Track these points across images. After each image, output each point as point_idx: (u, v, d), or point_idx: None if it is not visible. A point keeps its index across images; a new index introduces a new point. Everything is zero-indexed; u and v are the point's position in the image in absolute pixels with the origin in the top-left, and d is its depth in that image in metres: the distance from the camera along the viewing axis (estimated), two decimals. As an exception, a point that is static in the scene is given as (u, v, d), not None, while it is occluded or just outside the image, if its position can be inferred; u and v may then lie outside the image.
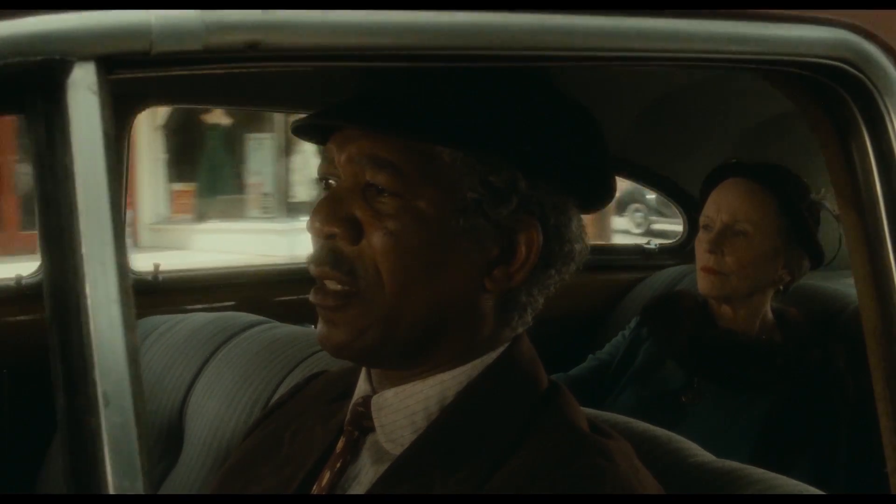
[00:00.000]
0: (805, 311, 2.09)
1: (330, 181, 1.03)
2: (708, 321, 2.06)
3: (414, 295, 0.98)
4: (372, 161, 0.98)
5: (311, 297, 1.01)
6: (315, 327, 1.97)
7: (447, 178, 0.98)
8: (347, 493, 1.03)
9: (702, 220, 2.05)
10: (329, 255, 0.99)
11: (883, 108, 0.97)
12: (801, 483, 1.13)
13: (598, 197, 1.07)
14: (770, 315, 2.04)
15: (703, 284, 2.02)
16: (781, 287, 2.03)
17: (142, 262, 2.31)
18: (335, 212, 1.00)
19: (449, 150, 0.98)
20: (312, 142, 1.08)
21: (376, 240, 0.98)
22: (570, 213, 1.04)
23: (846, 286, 2.25)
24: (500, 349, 1.04)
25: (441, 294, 0.99)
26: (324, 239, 1.00)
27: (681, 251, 2.93)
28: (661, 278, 2.72)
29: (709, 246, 1.98)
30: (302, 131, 1.07)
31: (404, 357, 1.02)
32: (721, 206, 2.01)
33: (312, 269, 1.01)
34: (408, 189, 0.98)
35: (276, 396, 1.54)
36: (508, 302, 1.03)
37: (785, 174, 2.03)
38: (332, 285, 1.00)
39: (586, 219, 1.09)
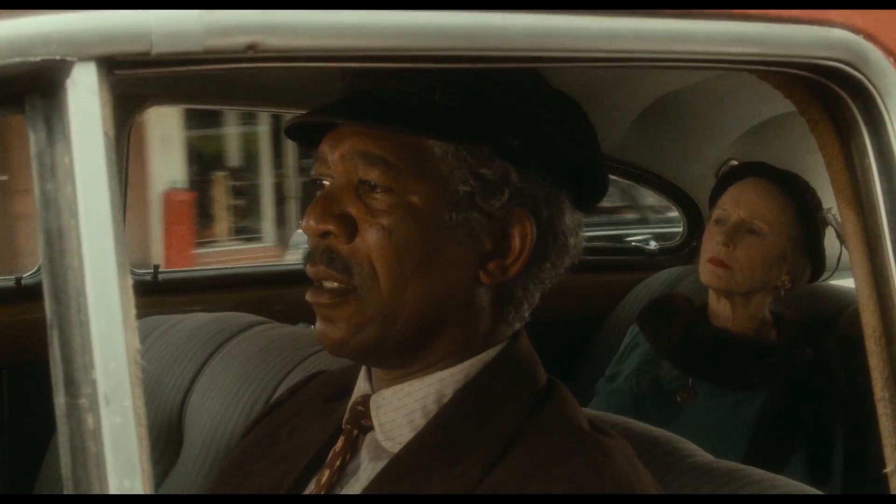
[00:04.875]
0: (804, 312, 2.10)
1: (323, 181, 1.04)
2: (702, 321, 2.07)
3: (410, 290, 0.99)
4: (364, 158, 0.99)
5: (307, 296, 1.02)
6: (313, 327, 1.97)
7: (439, 172, 0.99)
8: (345, 490, 1.04)
9: (715, 213, 2.06)
10: (324, 253, 1.00)
11: (883, 108, 0.97)
12: (800, 484, 1.13)
13: (591, 191, 1.08)
14: (768, 317, 2.05)
15: (707, 276, 2.02)
16: (782, 292, 2.04)
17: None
18: (329, 210, 1.00)
19: (440, 143, 0.99)
20: (305, 144, 1.09)
21: (370, 236, 0.98)
22: (563, 206, 1.04)
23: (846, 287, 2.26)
24: (499, 347, 1.04)
25: (436, 288, 1.00)
26: (318, 237, 1.01)
27: (680, 252, 2.93)
28: (661, 279, 2.71)
29: (723, 238, 1.99)
30: (294, 132, 1.08)
31: (402, 353, 1.02)
32: (740, 201, 2.01)
33: (308, 269, 1.02)
34: (400, 184, 0.98)
35: (275, 396, 1.54)
36: (504, 296, 1.04)
37: (805, 184, 2.06)
38: (329, 283, 1.01)
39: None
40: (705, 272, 2.03)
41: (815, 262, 2.04)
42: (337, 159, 1.01)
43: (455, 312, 1.02)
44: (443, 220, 0.99)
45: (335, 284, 1.00)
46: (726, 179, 2.11)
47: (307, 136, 1.08)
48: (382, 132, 0.99)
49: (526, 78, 1.03)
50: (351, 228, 0.99)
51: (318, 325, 1.03)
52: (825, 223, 2.03)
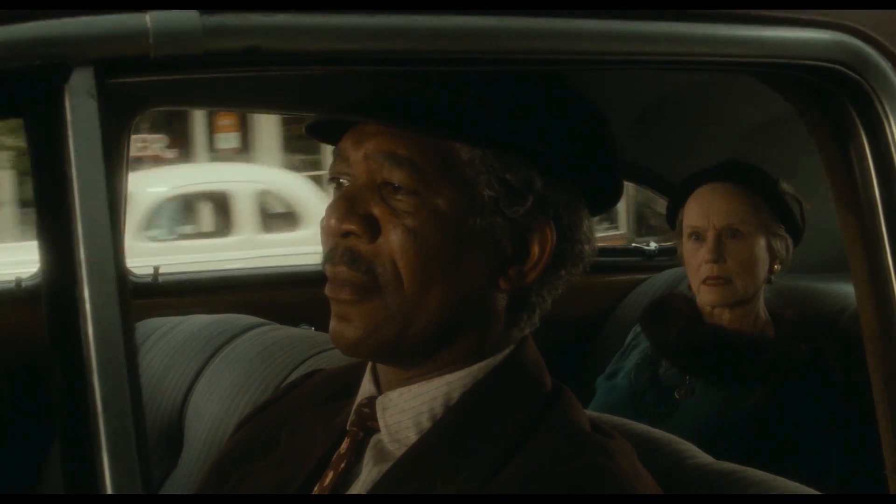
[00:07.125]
0: (803, 312, 2.10)
1: (342, 180, 1.03)
2: (698, 319, 2.07)
3: (432, 292, 0.98)
4: (390, 158, 0.98)
5: (326, 290, 1.01)
6: (314, 328, 1.97)
7: (464, 176, 0.98)
8: (349, 492, 1.03)
9: (687, 230, 2.04)
10: (345, 254, 0.99)
11: (881, 110, 0.97)
12: (800, 485, 1.13)
13: (608, 198, 1.08)
14: (766, 315, 2.05)
15: (708, 296, 2.00)
16: (773, 278, 2.04)
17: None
18: (352, 209, 0.99)
19: (467, 147, 0.98)
20: (324, 141, 1.08)
21: (395, 237, 0.97)
22: (582, 214, 1.04)
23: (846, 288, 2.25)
24: (507, 351, 1.04)
25: (457, 291, 0.99)
26: (339, 237, 0.99)
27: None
28: (661, 280, 2.71)
29: (709, 256, 1.97)
30: (315, 130, 1.07)
31: (416, 355, 1.02)
32: (710, 212, 2.00)
33: (328, 270, 1.00)
34: (426, 187, 0.97)
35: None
36: (519, 301, 1.03)
37: (751, 168, 2.05)
38: (349, 281, 0.99)
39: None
40: (704, 294, 2.01)
41: (793, 232, 2.03)
42: (360, 158, 1.00)
43: (472, 316, 1.01)
44: (466, 225, 0.98)
45: (355, 282, 0.99)
46: (681, 196, 2.09)
47: (327, 132, 1.06)
48: (408, 133, 0.98)
49: (553, 83, 1.03)
50: (374, 229, 0.98)
51: (333, 324, 1.01)
52: (784, 193, 2.02)
